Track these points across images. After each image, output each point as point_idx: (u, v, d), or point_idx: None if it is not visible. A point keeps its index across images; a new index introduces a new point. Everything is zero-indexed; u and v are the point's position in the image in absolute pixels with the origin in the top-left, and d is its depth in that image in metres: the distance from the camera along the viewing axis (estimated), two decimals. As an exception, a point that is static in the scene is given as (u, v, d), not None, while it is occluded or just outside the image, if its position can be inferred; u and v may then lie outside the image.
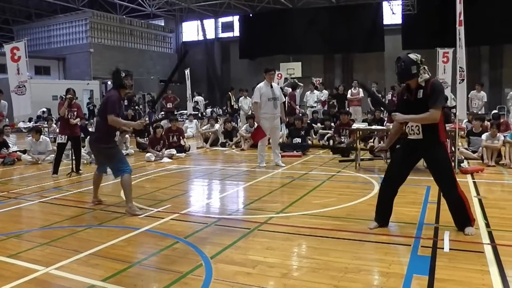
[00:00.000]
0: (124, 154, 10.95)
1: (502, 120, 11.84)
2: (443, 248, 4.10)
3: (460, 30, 7.45)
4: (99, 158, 6.02)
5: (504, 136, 9.11)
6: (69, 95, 8.70)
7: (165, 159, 10.62)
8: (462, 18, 7.38)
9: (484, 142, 9.08)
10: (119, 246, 4.38)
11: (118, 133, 5.80)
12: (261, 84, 9.16)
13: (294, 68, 25.74)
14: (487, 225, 4.77)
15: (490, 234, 4.48)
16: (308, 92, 16.45)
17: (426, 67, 4.53)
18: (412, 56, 4.52)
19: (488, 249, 4.06)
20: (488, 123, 10.87)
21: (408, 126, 4.60)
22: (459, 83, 7.91)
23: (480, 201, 5.87)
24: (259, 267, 3.74)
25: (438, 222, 4.98)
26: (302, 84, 17.57)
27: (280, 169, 8.86)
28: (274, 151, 9.31)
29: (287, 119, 10.99)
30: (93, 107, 23.96)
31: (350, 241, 4.39)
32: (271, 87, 9.09)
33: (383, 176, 7.66)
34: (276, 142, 9.38)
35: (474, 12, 18.82)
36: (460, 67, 7.68)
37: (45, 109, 22.31)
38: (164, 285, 3.40)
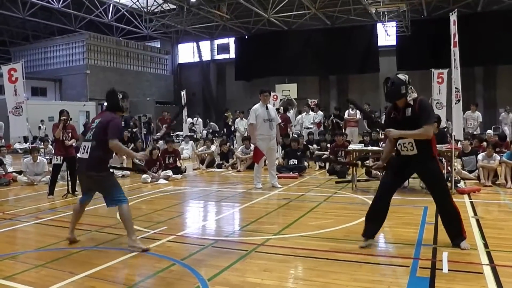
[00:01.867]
0: (120, 175, 11.03)
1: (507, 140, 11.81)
2: (441, 269, 4.09)
3: (455, 51, 7.55)
4: (89, 186, 5.21)
5: (500, 156, 9.16)
6: (63, 117, 8.71)
7: (161, 181, 10.59)
8: (456, 39, 7.49)
9: (480, 162, 9.12)
10: (116, 268, 4.33)
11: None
12: (257, 106, 9.21)
13: (289, 90, 25.84)
14: (486, 246, 4.76)
15: (489, 255, 4.47)
16: (303, 114, 16.49)
17: (412, 87, 4.66)
18: (401, 76, 4.67)
19: (487, 270, 4.04)
20: (484, 143, 10.91)
21: (400, 144, 4.70)
22: (455, 103, 7.97)
23: (477, 221, 5.87)
24: (257, 289, 3.71)
25: (436, 242, 4.97)
26: (296, 103, 17.61)
27: (276, 191, 8.84)
28: (271, 172, 9.31)
29: (282, 140, 11.00)
30: (89, 128, 23.86)
31: (347, 262, 4.35)
32: (267, 108, 9.13)
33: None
34: (272, 163, 9.38)
35: (468, 34, 19.07)
36: (455, 87, 7.76)
37: (41, 126, 22.18)
38: (161, 308, 3.36)
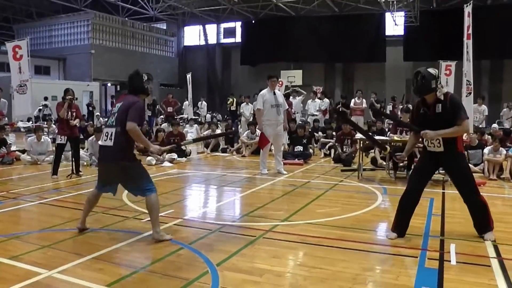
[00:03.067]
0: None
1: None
2: (449, 261, 4.07)
3: (468, 44, 7.46)
4: (113, 176, 4.76)
5: (506, 150, 9.11)
6: (69, 96, 8.61)
7: (166, 163, 10.56)
8: (470, 31, 7.38)
9: (486, 156, 9.07)
10: (123, 250, 4.32)
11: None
12: (264, 91, 9.15)
13: (295, 76, 25.70)
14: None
15: (496, 248, 4.46)
16: (309, 101, 16.45)
17: (441, 82, 4.61)
18: (431, 70, 4.61)
19: (495, 263, 4.03)
20: (489, 136, 10.84)
21: (427, 140, 4.68)
22: (466, 96, 7.91)
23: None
24: (266, 275, 3.69)
25: (443, 234, 4.97)
26: (305, 92, 17.55)
27: (282, 177, 8.81)
28: (277, 158, 9.28)
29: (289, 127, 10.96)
30: (93, 108, 23.91)
31: (356, 251, 4.34)
32: (274, 93, 9.08)
33: (385, 187, 7.78)
34: (279, 149, 9.34)
35: (476, 26, 18.83)
36: (467, 80, 7.68)
37: (44, 104, 21.98)
38: (170, 292, 3.35)
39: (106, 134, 4.59)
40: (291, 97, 16.17)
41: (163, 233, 4.64)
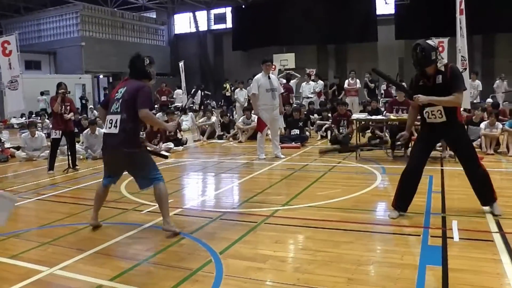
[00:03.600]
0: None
1: (500, 108, 11.80)
2: (452, 238, 4.08)
3: (461, 19, 7.39)
4: (118, 166, 4.64)
5: (503, 124, 9.10)
6: (62, 90, 8.51)
7: (163, 153, 10.46)
8: (463, 7, 7.31)
9: (482, 131, 9.06)
10: (124, 243, 4.28)
11: None
12: (259, 76, 9.07)
13: (287, 59, 25.53)
14: (493, 214, 4.73)
15: (497, 223, 4.46)
16: (303, 83, 16.37)
17: (440, 53, 4.63)
18: (431, 42, 4.59)
19: (497, 238, 4.04)
20: (484, 112, 10.81)
21: (427, 111, 4.66)
22: (462, 71, 7.85)
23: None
24: (270, 261, 3.67)
25: (445, 211, 4.97)
26: (299, 75, 17.46)
27: (280, 161, 8.78)
28: (274, 143, 9.23)
29: (285, 110, 10.92)
30: (86, 101, 23.73)
31: (359, 232, 4.33)
32: (269, 78, 9.00)
33: (385, 166, 7.76)
34: (276, 133, 9.30)
35: (466, 2, 18.73)
36: (462, 56, 7.64)
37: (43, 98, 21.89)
38: (175, 283, 3.31)
39: (110, 121, 4.38)
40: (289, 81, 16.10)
41: (173, 224, 4.49)
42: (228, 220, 4.93)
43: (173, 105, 18.61)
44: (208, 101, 25.32)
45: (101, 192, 4.76)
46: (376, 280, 3.34)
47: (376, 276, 3.39)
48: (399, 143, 8.82)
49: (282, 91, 9.82)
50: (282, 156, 9.07)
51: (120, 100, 4.37)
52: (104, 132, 4.60)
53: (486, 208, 4.78)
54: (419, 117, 4.91)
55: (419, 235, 4.18)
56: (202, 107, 18.88)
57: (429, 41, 4.59)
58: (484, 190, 4.74)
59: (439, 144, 7.92)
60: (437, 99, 4.51)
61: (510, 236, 4.03)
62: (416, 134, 7.36)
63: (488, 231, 4.23)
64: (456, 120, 4.66)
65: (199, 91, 21.61)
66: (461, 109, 8.29)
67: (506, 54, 24.55)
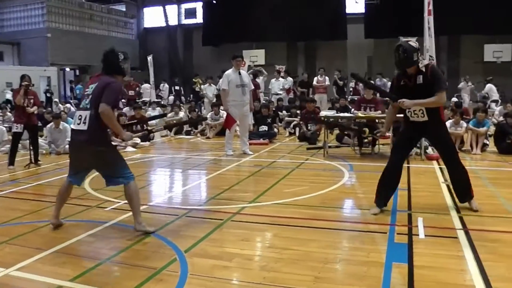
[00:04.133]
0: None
1: (463, 107, 12.12)
2: (418, 235, 4.11)
3: (430, 20, 7.50)
4: (86, 163, 4.44)
5: (467, 123, 9.32)
6: (25, 82, 8.24)
7: (129, 148, 10.28)
8: (431, 7, 7.42)
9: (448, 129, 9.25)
10: (86, 242, 4.14)
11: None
12: (229, 71, 9.00)
13: (257, 56, 25.56)
14: (457, 211, 4.84)
15: (461, 219, 4.54)
16: (273, 80, 16.38)
17: (421, 54, 4.73)
18: (412, 43, 4.68)
19: (461, 234, 4.10)
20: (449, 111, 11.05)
21: (410, 111, 4.75)
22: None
23: (448, 186, 5.91)
24: (236, 260, 3.62)
25: (410, 208, 5.03)
26: (266, 73, 17.45)
27: (247, 158, 8.74)
28: (243, 139, 9.17)
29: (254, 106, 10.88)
30: (51, 94, 23.07)
31: (326, 230, 4.32)
32: (239, 73, 8.93)
33: (352, 163, 7.82)
34: (245, 130, 9.23)
35: (433, 3, 19.10)
36: (430, 55, 7.76)
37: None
38: (138, 283, 3.21)
39: (80, 117, 4.22)
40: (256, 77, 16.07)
41: (145, 224, 4.32)
42: (194, 218, 4.84)
43: (140, 100, 18.26)
44: (182, 97, 25.01)
45: (64, 189, 4.58)
46: (343, 278, 3.34)
47: (343, 274, 3.39)
48: (366, 141, 8.95)
49: (253, 87, 9.77)
50: (250, 153, 9.02)
51: (90, 96, 4.22)
52: (72, 128, 4.45)
53: (465, 204, 4.91)
54: (400, 114, 5.02)
55: (386, 233, 4.21)
56: (177, 102, 18.66)
57: (411, 42, 4.68)
58: (462, 187, 4.88)
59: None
60: (421, 102, 4.59)
61: (473, 233, 4.11)
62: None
63: (452, 228, 4.29)
64: (438, 119, 4.75)
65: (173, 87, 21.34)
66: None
67: (471, 55, 25.17)
